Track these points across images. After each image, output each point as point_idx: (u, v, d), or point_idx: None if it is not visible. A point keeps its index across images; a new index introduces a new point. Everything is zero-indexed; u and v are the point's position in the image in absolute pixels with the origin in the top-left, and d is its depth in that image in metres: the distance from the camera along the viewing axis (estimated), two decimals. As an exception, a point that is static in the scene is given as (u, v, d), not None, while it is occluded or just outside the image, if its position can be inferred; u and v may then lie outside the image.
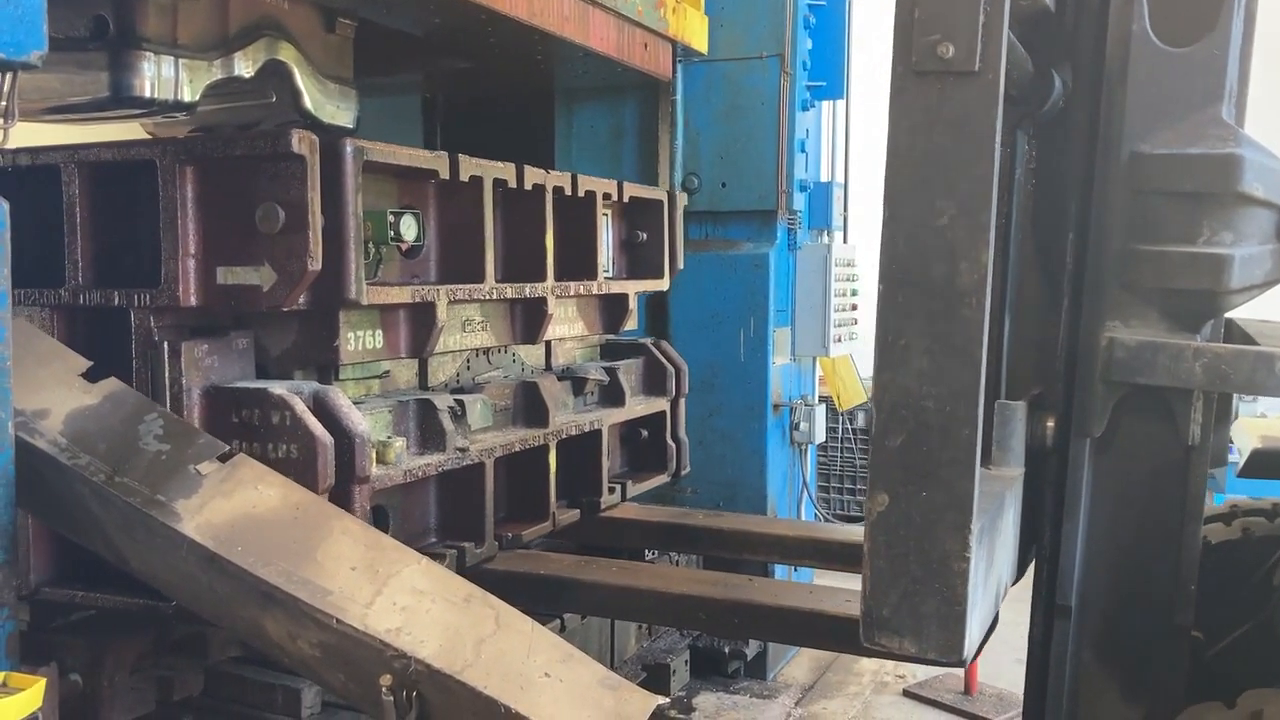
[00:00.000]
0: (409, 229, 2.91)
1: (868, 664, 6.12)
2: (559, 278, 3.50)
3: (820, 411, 6.51)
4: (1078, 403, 2.28)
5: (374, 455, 2.71)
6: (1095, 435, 2.27)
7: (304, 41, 3.35)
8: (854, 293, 6.78)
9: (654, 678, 4.26)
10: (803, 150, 5.84)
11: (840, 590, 3.14)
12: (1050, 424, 2.35)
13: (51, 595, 2.69)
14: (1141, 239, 2.17)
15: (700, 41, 4.98)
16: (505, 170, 3.20)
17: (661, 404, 4.19)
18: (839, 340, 6.57)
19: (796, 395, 6.40)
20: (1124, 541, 2.31)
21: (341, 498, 2.61)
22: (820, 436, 6.49)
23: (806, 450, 6.53)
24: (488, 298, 3.14)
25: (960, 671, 5.66)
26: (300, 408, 2.54)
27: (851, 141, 7.64)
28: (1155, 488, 2.28)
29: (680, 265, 4.35)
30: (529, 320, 3.49)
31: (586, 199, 3.67)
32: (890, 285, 1.83)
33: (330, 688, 2.29)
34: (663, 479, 4.24)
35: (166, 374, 2.58)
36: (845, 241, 6.97)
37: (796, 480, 6.51)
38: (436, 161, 2.92)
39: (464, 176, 3.02)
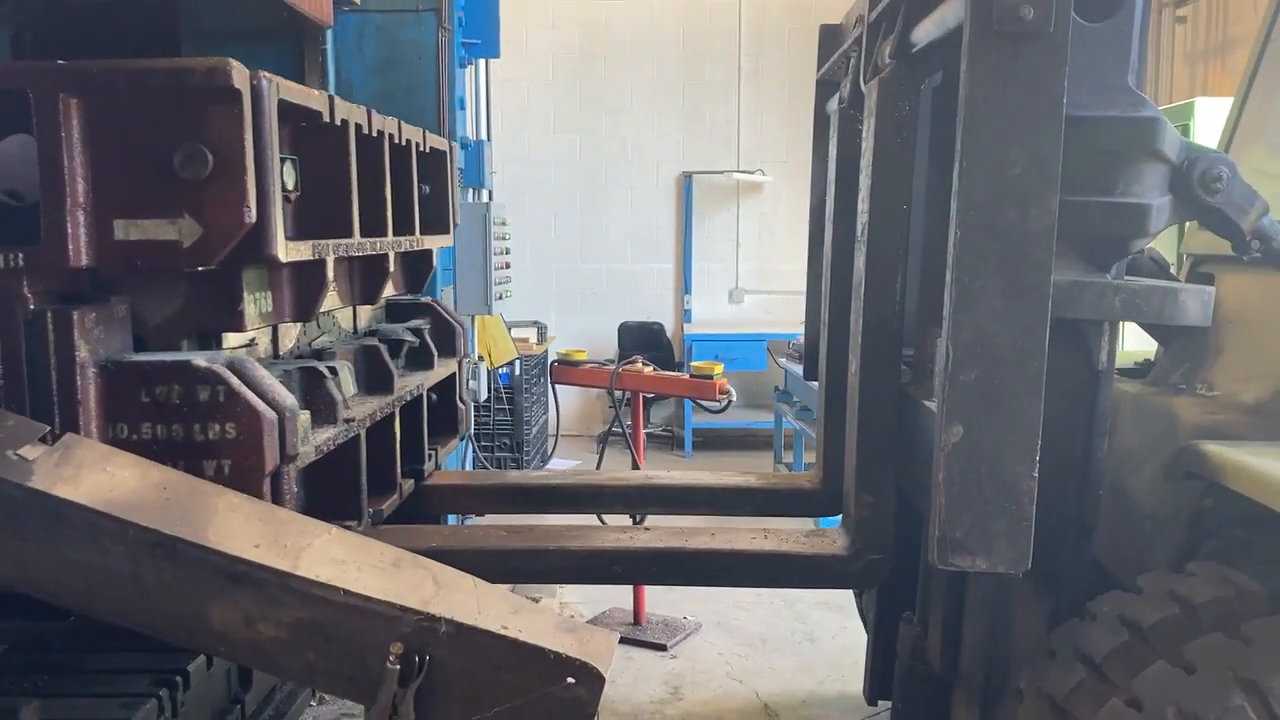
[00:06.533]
0: (289, 177, 2.59)
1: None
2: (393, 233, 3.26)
3: (483, 369, 6.59)
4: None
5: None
6: (1020, 364, 2.55)
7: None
8: (507, 251, 6.87)
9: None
10: (462, 107, 5.80)
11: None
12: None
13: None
14: (1068, 191, 2.47)
15: (354, -12, 4.77)
16: (360, 113, 2.93)
17: (453, 365, 4.04)
18: (500, 298, 6.67)
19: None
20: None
21: (274, 481, 2.31)
22: (484, 394, 6.60)
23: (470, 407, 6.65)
24: (357, 254, 2.87)
25: (628, 605, 6.09)
26: (235, 381, 2.21)
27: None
28: (1066, 407, 2.61)
29: (458, 220, 4.19)
30: (369, 279, 3.23)
31: (405, 148, 3.44)
32: (967, 230, 1.96)
33: (286, 672, 2.05)
34: (456, 442, 4.10)
35: (53, 350, 2.13)
36: (491, 200, 7.04)
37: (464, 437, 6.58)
38: (321, 101, 2.62)
39: (336, 119, 2.73)
